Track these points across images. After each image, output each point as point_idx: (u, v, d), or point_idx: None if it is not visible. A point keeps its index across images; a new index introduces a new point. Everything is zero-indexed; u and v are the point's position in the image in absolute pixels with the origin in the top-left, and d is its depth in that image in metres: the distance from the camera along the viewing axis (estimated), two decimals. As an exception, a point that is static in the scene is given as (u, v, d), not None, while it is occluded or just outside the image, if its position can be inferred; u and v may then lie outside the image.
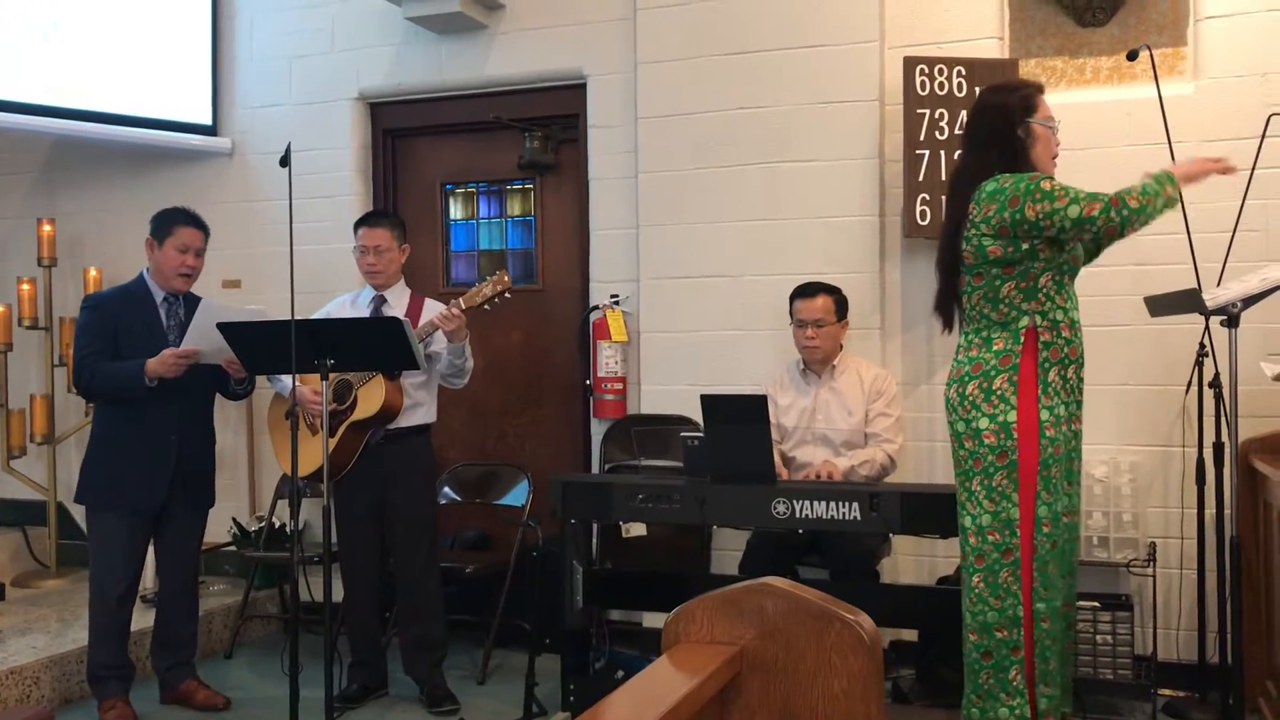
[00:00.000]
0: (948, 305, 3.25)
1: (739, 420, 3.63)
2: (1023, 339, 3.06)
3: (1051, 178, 3.05)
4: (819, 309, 4.19)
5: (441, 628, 4.35)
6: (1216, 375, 3.92)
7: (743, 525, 3.92)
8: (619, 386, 4.94)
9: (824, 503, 3.58)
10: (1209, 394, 3.97)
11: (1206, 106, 4.28)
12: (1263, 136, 3.81)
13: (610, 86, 5.04)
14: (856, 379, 4.22)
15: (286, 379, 4.05)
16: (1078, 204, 2.96)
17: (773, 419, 4.24)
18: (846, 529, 3.60)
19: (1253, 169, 3.94)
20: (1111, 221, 2.96)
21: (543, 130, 5.22)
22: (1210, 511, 4.02)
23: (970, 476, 3.09)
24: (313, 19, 5.55)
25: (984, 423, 3.05)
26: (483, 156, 5.43)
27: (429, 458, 4.36)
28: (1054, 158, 3.21)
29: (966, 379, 3.11)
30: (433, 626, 4.31)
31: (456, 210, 5.55)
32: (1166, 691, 4.18)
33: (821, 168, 4.63)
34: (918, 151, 4.39)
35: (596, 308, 5.01)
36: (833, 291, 4.24)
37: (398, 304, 4.30)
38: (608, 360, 4.94)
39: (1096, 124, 4.40)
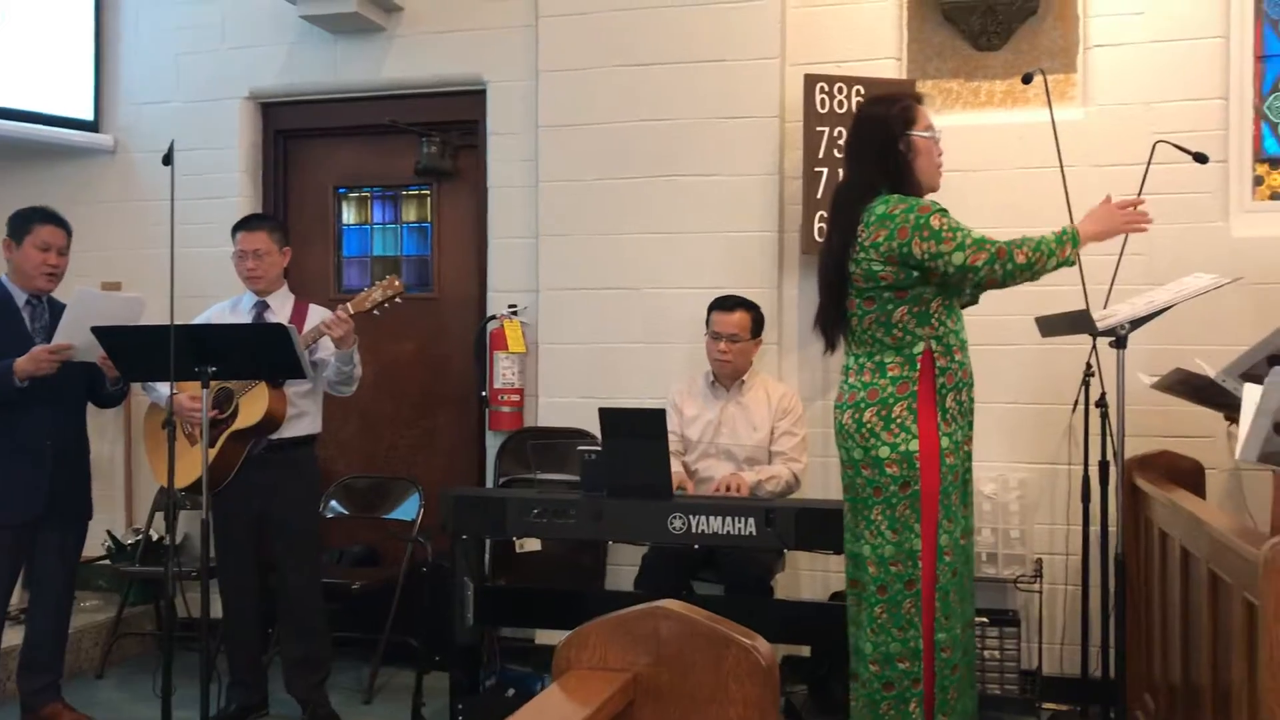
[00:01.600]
0: (831, 325, 3.19)
1: (637, 435, 3.58)
2: (919, 365, 3.02)
3: (943, 212, 3.00)
4: (735, 324, 4.18)
5: (325, 646, 4.21)
6: (1103, 395, 4.00)
7: (639, 541, 3.87)
8: (515, 398, 4.86)
9: (720, 518, 3.54)
10: (1095, 413, 4.06)
11: (1095, 132, 4.38)
12: (1148, 164, 3.92)
13: (511, 93, 4.96)
14: (764, 396, 4.21)
15: (162, 387, 3.88)
16: (963, 251, 2.93)
17: (678, 429, 4.22)
18: (742, 544, 3.57)
19: (1140, 187, 4.02)
20: (994, 274, 2.94)
21: (441, 136, 5.12)
22: (1095, 528, 4.11)
23: (870, 505, 3.06)
24: (202, 14, 5.36)
25: (885, 451, 3.02)
26: (378, 161, 5.30)
27: (313, 469, 4.23)
28: (939, 167, 3.17)
29: (863, 405, 3.06)
30: (316, 645, 4.17)
31: (350, 215, 5.41)
32: (1050, 705, 4.26)
33: (722, 182, 4.62)
34: (816, 169, 4.41)
35: (494, 317, 4.92)
36: (751, 308, 4.23)
37: (280, 310, 4.15)
38: (504, 371, 4.85)
39: (990, 146, 4.48)
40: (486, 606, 3.96)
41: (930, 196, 3.12)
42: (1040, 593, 4.23)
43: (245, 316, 4.12)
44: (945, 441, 3.00)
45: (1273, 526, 3.62)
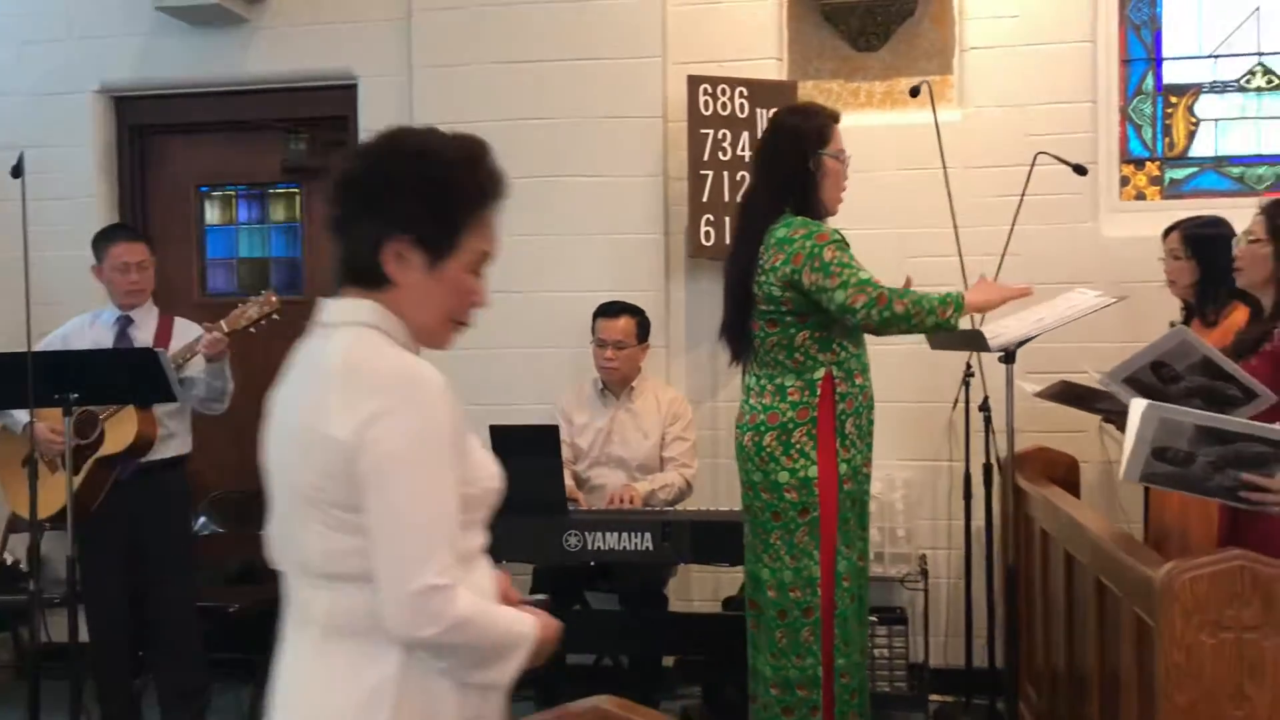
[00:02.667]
0: (736, 337, 3.18)
1: (530, 452, 3.51)
2: (819, 390, 3.02)
3: (839, 244, 2.99)
4: (620, 330, 4.12)
5: (202, 673, 4.02)
6: (985, 400, 4.09)
7: (534, 560, 3.80)
8: (396, 407, 4.70)
9: (616, 534, 3.51)
10: (974, 408, 4.15)
11: (972, 133, 4.45)
12: (1029, 173, 4.01)
13: (383, 89, 4.78)
14: (654, 402, 4.18)
15: (18, 414, 3.63)
16: (845, 290, 2.93)
17: (568, 438, 4.16)
18: (638, 560, 3.54)
19: (1021, 198, 4.12)
20: (870, 319, 2.95)
21: (309, 132, 4.91)
22: (976, 523, 4.21)
23: (769, 529, 3.05)
24: (47, 1, 5.01)
25: (784, 476, 3.02)
26: (243, 158, 5.06)
27: (183, 491, 4.03)
28: (842, 191, 3.18)
29: (763, 429, 3.05)
30: (193, 672, 3.98)
31: (213, 215, 5.16)
32: (937, 697, 4.35)
33: (606, 184, 4.55)
34: (702, 171, 4.37)
35: (371, 323, 4.75)
36: (636, 313, 4.18)
37: (145, 324, 3.93)
38: (383, 379, 4.69)
39: (869, 147, 4.45)
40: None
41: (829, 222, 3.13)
42: (925, 590, 4.31)
43: (107, 332, 3.89)
44: (844, 468, 3.02)
45: (1148, 536, 3.77)
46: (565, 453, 4.12)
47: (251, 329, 3.78)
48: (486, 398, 4.53)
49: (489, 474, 1.62)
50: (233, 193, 5.13)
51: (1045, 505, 3.57)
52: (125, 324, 3.91)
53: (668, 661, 4.33)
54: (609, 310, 4.16)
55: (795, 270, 2.96)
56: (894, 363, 4.43)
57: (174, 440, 3.90)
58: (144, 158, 5.11)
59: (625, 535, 3.49)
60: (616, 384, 4.18)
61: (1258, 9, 4.51)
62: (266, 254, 5.12)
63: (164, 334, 3.88)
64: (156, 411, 3.79)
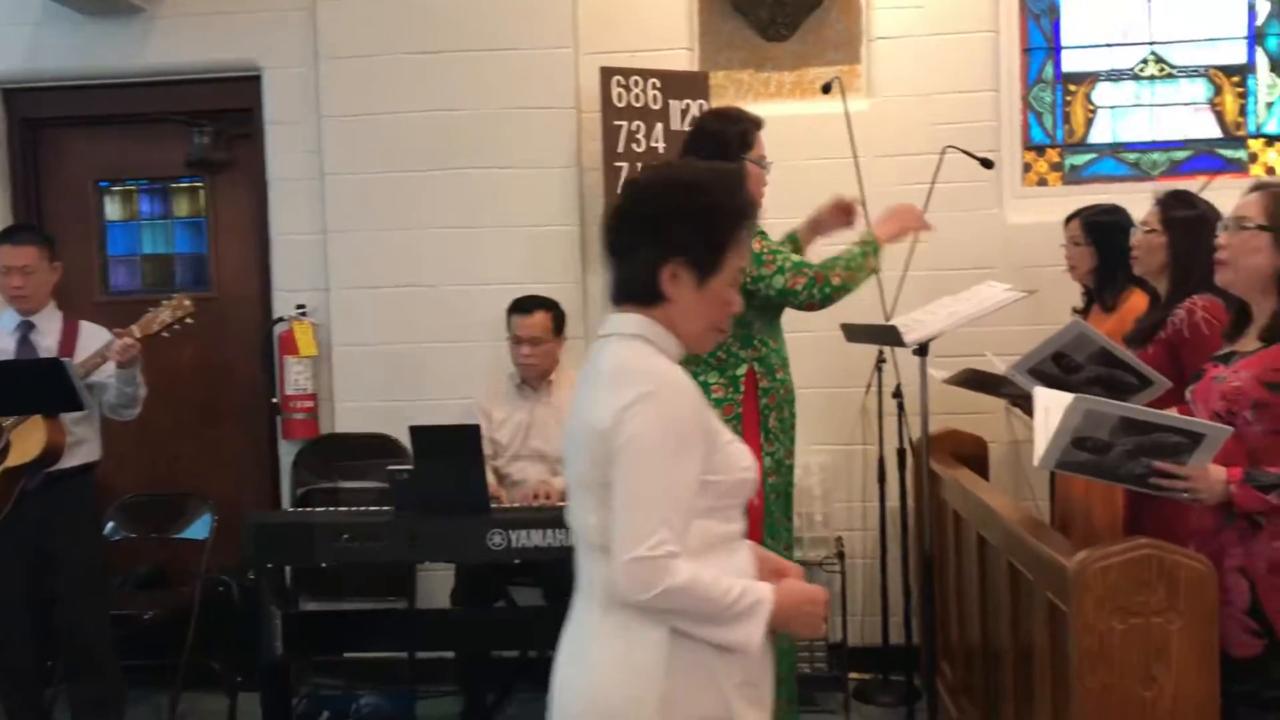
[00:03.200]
0: None
1: (451, 451, 3.48)
2: (742, 386, 3.09)
3: (764, 235, 3.07)
4: (536, 326, 4.11)
5: (115, 682, 3.93)
6: (899, 386, 4.18)
7: (457, 560, 3.79)
8: (309, 405, 4.64)
9: (540, 531, 3.50)
10: (887, 392, 4.24)
11: (881, 123, 4.52)
12: (938, 165, 4.10)
13: (289, 81, 4.68)
14: (573, 394, 4.15)
15: (-82, 427, 3.50)
16: (783, 274, 3.01)
17: (486, 433, 4.13)
18: (564, 556, 3.54)
19: (930, 187, 4.20)
20: (814, 298, 3.05)
21: (213, 125, 4.79)
22: (892, 504, 4.31)
23: None
24: (-75, -12, 4.80)
25: None
26: (145, 152, 4.91)
27: (92, 499, 3.93)
28: (762, 197, 3.22)
29: None
30: (107, 683, 3.89)
31: (114, 211, 5.00)
32: (856, 675, 4.46)
33: (520, 175, 4.52)
34: (616, 163, 4.37)
35: (281, 319, 4.68)
36: (551, 307, 4.17)
37: (48, 330, 3.81)
38: (296, 376, 4.63)
39: (780, 137, 4.45)
40: (295, 634, 3.79)
41: None
42: (842, 572, 4.40)
43: (8, 339, 3.75)
44: (768, 461, 3.08)
45: (1054, 514, 3.90)
46: (485, 448, 4.10)
47: (164, 333, 3.69)
48: (402, 393, 4.51)
49: (743, 465, 1.83)
50: (134, 188, 4.98)
51: (957, 489, 3.67)
52: (27, 330, 3.78)
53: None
54: (524, 306, 4.15)
55: None
56: (808, 350, 4.49)
57: (83, 447, 3.79)
58: (38, 153, 4.93)
59: (550, 532, 3.48)
60: (535, 378, 4.17)
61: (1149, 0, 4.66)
62: (171, 250, 4.99)
63: (69, 340, 3.76)
64: (65, 419, 3.68)
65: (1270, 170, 4.61)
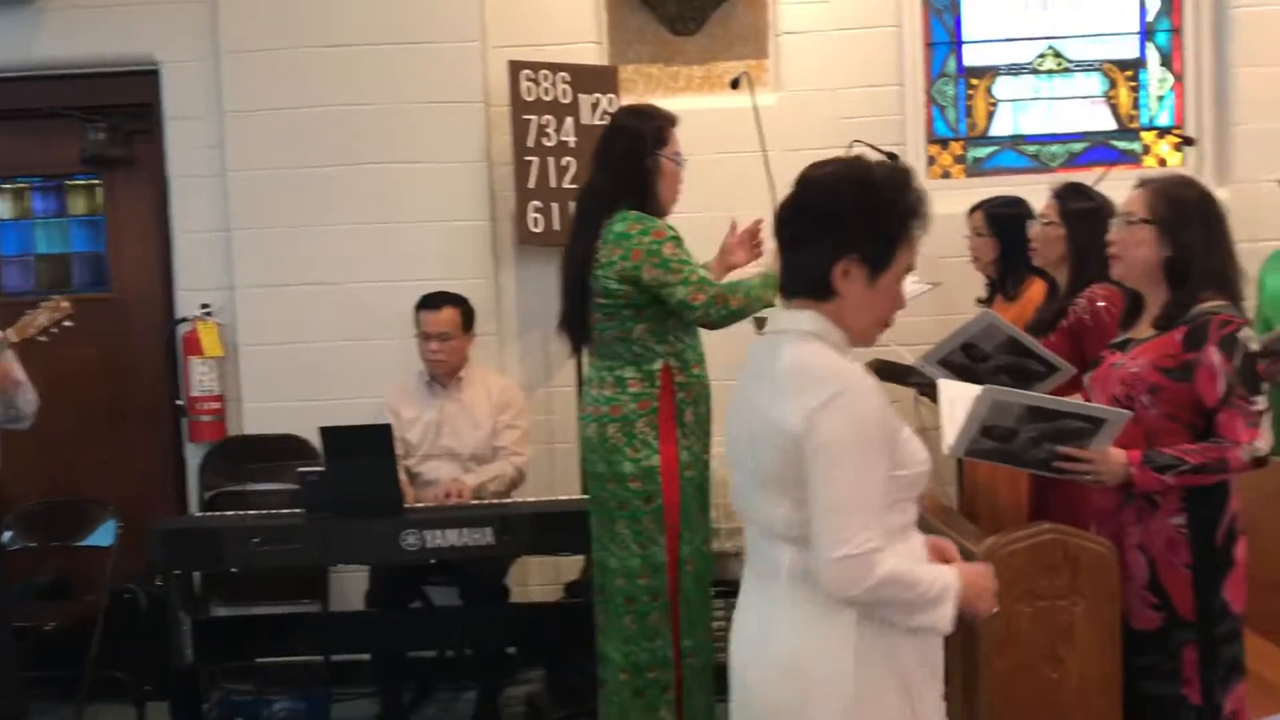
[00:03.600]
0: (575, 328, 3.23)
1: (362, 452, 3.45)
2: (659, 381, 3.10)
3: (678, 241, 3.07)
4: (445, 322, 4.07)
5: (16, 698, 3.80)
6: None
7: (370, 561, 3.75)
8: (216, 406, 4.54)
9: (455, 530, 3.48)
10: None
11: (789, 116, 4.56)
12: (846, 155, 4.12)
13: (189, 75, 4.56)
14: (484, 391, 4.15)
15: None
16: (686, 286, 3.03)
17: (396, 433, 4.09)
18: (479, 554, 3.53)
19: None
20: (709, 316, 3.07)
21: (109, 120, 4.64)
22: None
23: (615, 518, 3.12)
24: None
25: (628, 467, 3.09)
26: (36, 148, 4.73)
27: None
28: (678, 192, 3.24)
29: (606, 420, 3.12)
30: (6, 697, 3.76)
31: (5, 209, 4.83)
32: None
33: (429, 170, 4.47)
34: (527, 157, 4.35)
35: (185, 319, 4.56)
36: (459, 303, 4.13)
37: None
38: (201, 377, 4.52)
39: (689, 131, 4.46)
40: (205, 641, 3.72)
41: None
42: (759, 561, 4.43)
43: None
44: (685, 455, 3.10)
45: (962, 498, 3.99)
46: (396, 448, 4.06)
47: (42, 337, 3.57)
48: (312, 393, 4.43)
49: (920, 459, 1.86)
50: (26, 185, 4.81)
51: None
52: (-95, 338, 3.63)
53: (511, 648, 4.34)
54: (431, 302, 4.11)
55: (635, 266, 3.02)
56: (725, 344, 4.51)
57: (-27, 457, 3.66)
58: (-79, 149, 4.74)
59: (464, 531, 3.46)
60: (444, 375, 4.14)
61: (1046, -4, 4.78)
62: (67, 249, 4.83)
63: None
64: (-48, 429, 3.54)
65: (1162, 161, 4.76)
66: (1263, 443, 2.28)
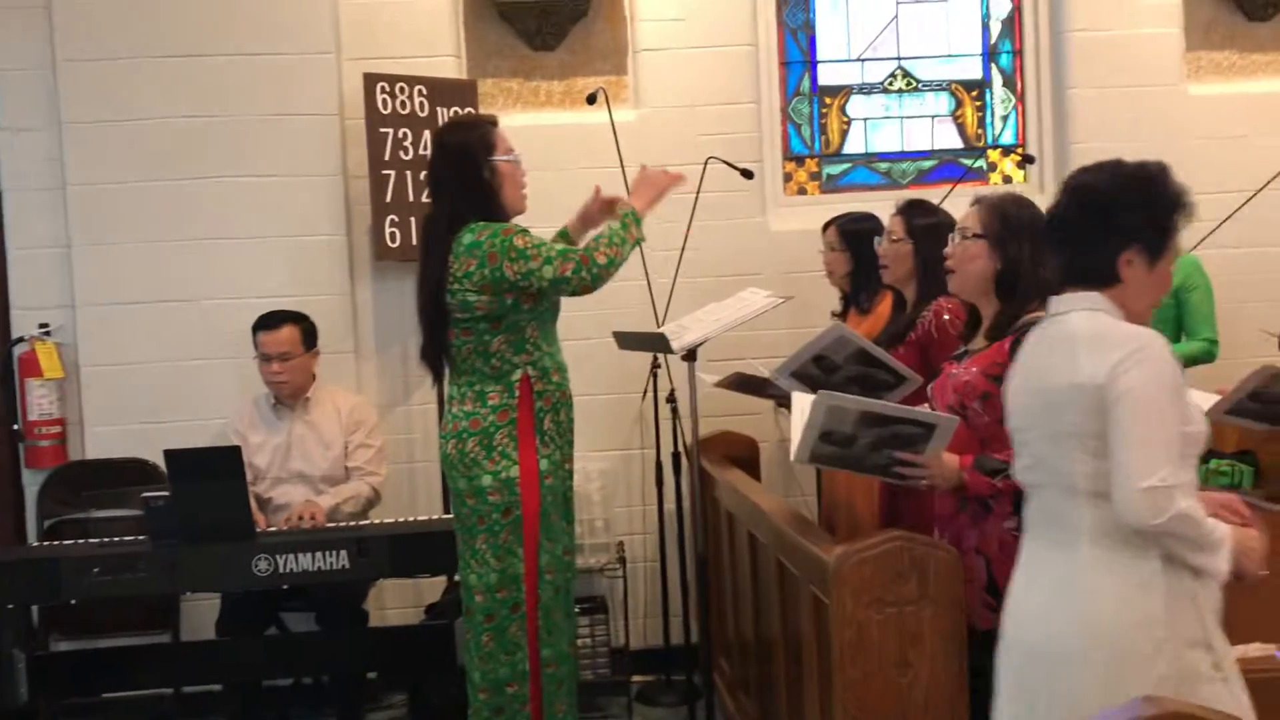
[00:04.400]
0: (435, 357, 3.19)
1: (210, 476, 3.34)
2: (517, 392, 3.08)
3: (526, 231, 3.06)
4: (284, 341, 3.95)
5: None
6: (672, 391, 4.26)
7: (221, 588, 3.62)
8: (56, 430, 4.33)
9: (309, 554, 3.40)
10: (665, 407, 4.32)
11: (648, 133, 4.60)
12: (701, 176, 4.20)
13: (22, 84, 4.37)
14: (333, 410, 4.04)
15: None
16: (551, 264, 3.01)
17: (243, 458, 3.96)
18: (335, 579, 3.45)
19: (696, 197, 4.30)
20: (585, 280, 3.05)
21: (-65, 131, 4.40)
22: (670, 507, 4.38)
23: (474, 534, 3.08)
24: None
25: (487, 480, 3.05)
26: None
27: None
28: (523, 190, 3.21)
29: (465, 435, 3.08)
30: None
31: None
32: (639, 678, 4.51)
33: (282, 184, 4.36)
34: (384, 171, 4.28)
35: (22, 339, 4.35)
36: (299, 320, 4.02)
37: None
38: (40, 400, 4.31)
39: (550, 146, 4.55)
40: (43, 677, 3.54)
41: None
42: (624, 576, 4.45)
43: None
44: (544, 464, 3.09)
45: (821, 508, 4.06)
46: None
47: None
48: (159, 415, 4.28)
49: (1199, 420, 2.00)
50: None
51: (730, 490, 3.77)
52: None
53: (372, 673, 4.25)
54: (268, 322, 3.98)
55: (494, 269, 2.99)
56: (587, 357, 4.53)
57: None
58: None
59: (319, 555, 3.38)
60: (289, 396, 4.02)
61: (895, 17, 4.92)
62: (-110, 266, 4.55)
63: None
64: None
65: (1007, 178, 4.95)
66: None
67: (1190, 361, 3.68)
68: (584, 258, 3.05)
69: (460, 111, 4.36)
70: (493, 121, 3.21)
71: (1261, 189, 4.39)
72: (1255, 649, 2.47)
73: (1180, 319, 3.78)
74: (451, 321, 3.09)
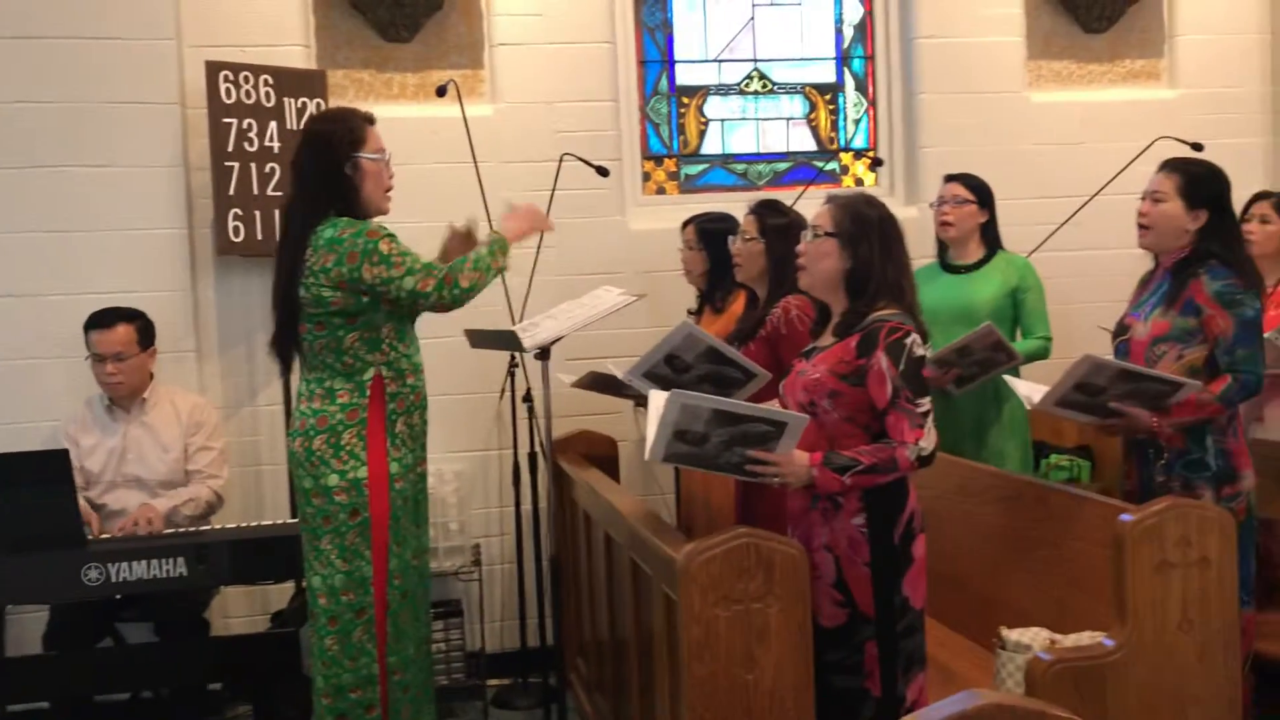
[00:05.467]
0: (285, 347, 3.09)
1: (36, 481, 3.16)
2: (369, 391, 3.00)
3: (393, 237, 2.98)
4: (119, 341, 3.77)
5: None
6: (529, 391, 4.21)
7: (47, 600, 3.43)
8: None
9: (144, 562, 3.24)
10: (522, 407, 4.27)
11: (505, 128, 4.55)
12: (557, 172, 4.17)
13: None
14: (172, 411, 3.87)
15: None
16: (413, 276, 2.94)
17: (75, 463, 3.77)
18: (173, 587, 3.30)
19: (552, 194, 4.26)
20: (444, 299, 2.98)
21: None
22: (527, 508, 4.34)
23: (320, 535, 2.99)
24: None
25: (334, 480, 2.96)
26: None
27: None
28: (388, 190, 3.13)
29: (312, 433, 2.99)
30: None
31: None
32: (495, 681, 4.45)
33: (119, 174, 4.16)
34: (227, 163, 4.12)
35: None
36: (134, 318, 3.84)
37: None
38: None
39: (405, 140, 4.40)
40: None
41: (377, 220, 3.07)
42: (480, 579, 4.38)
43: None
44: (395, 467, 3.01)
45: (680, 506, 4.07)
46: (76, 479, 3.77)
47: None
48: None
49: None
50: None
51: (587, 489, 3.74)
52: None
53: (215, 684, 4.09)
54: (101, 320, 3.79)
55: (353, 269, 2.91)
56: (444, 357, 4.45)
57: None
58: None
59: (155, 562, 3.22)
60: (125, 398, 3.84)
61: (752, 19, 4.97)
62: None
63: None
64: None
65: (859, 181, 5.05)
66: (926, 442, 2.43)
67: (1028, 358, 3.81)
68: (448, 277, 2.98)
69: (310, 103, 4.23)
70: (368, 118, 3.11)
71: (1095, 194, 4.58)
72: (1086, 637, 2.57)
73: (1017, 318, 3.91)
74: (304, 315, 3.00)
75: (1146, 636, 2.48)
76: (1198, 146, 4.24)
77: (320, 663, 3.01)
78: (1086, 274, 4.79)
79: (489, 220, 4.23)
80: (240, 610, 4.32)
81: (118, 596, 3.36)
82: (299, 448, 3.02)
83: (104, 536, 3.52)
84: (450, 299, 3.00)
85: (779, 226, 3.28)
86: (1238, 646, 2.56)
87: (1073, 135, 4.92)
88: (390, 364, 3.04)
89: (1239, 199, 3.27)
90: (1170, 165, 3.13)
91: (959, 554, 3.41)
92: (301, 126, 3.29)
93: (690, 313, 4.12)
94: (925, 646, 2.58)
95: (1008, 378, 3.51)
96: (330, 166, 3.00)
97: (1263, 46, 5.05)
